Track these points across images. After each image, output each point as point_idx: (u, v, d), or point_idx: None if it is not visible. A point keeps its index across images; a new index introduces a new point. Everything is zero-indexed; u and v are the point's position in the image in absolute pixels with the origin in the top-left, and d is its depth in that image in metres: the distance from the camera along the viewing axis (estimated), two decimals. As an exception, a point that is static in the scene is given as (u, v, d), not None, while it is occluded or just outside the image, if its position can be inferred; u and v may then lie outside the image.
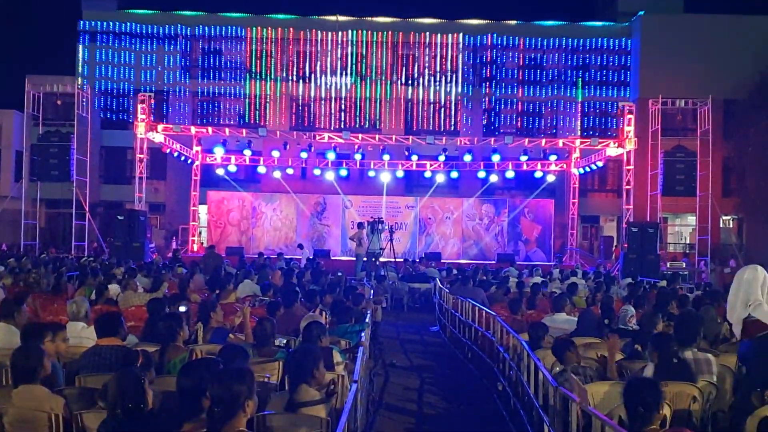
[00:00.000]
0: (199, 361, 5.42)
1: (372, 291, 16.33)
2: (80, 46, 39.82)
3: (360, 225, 24.55)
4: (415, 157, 30.79)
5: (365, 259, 23.85)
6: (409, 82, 39.97)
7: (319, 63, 39.90)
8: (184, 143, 30.22)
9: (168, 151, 29.14)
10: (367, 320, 10.67)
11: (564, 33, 40.14)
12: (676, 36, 37.49)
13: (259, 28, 39.82)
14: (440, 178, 31.78)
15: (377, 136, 30.63)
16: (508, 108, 40.38)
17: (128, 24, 39.78)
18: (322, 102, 39.93)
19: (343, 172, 31.06)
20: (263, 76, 39.84)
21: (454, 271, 21.96)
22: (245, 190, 33.03)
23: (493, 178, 31.36)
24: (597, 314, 10.53)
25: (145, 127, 26.92)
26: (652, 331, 7.91)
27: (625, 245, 26.53)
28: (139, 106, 27.23)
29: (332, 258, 28.68)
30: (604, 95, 40.02)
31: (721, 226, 35.11)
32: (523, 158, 29.28)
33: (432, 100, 40.05)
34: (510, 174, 30.53)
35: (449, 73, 40.10)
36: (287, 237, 31.92)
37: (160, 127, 28.28)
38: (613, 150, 28.08)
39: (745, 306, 5.75)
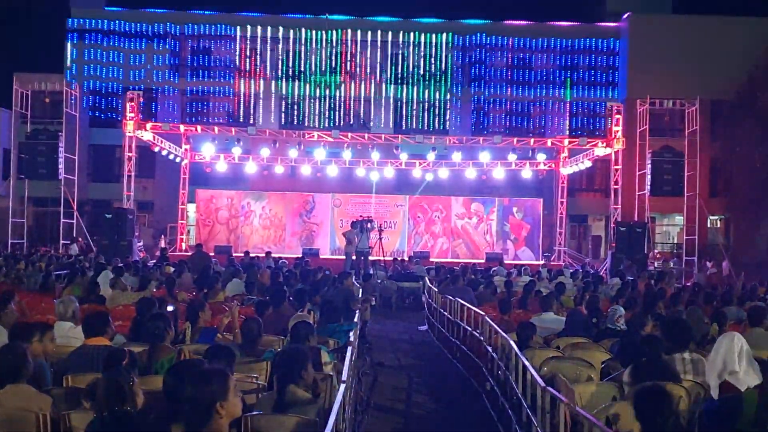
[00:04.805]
0: (185, 362, 5.40)
1: (360, 290, 16.31)
2: (69, 44, 39.67)
3: (354, 224, 24.46)
4: (404, 156, 30.78)
5: (354, 257, 23.83)
6: (399, 81, 39.99)
7: (308, 61, 39.86)
8: (173, 141, 30.12)
9: (157, 149, 29.05)
10: (355, 319, 10.67)
11: (552, 33, 40.24)
12: (664, 36, 37.60)
13: (248, 26, 39.75)
14: (429, 177, 31.81)
15: (366, 135, 30.62)
16: (496, 107, 40.45)
17: (117, 22, 39.66)
18: (312, 100, 39.91)
19: (333, 171, 31.01)
20: (253, 75, 39.78)
21: (442, 270, 21.95)
22: (234, 188, 32.93)
23: (482, 177, 31.40)
24: (585, 314, 10.55)
25: (133, 126, 26.84)
26: (640, 332, 7.93)
27: (613, 245, 26.63)
28: (128, 104, 27.14)
29: (321, 257, 28.66)
30: (593, 95, 40.16)
31: (709, 226, 35.29)
32: (512, 157, 29.32)
33: (421, 99, 40.09)
34: (499, 173, 30.52)
35: (438, 73, 40.15)
36: (276, 235, 31.88)
37: (148, 125, 28.17)
38: (601, 150, 28.15)
39: (720, 375, 5.82)
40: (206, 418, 3.77)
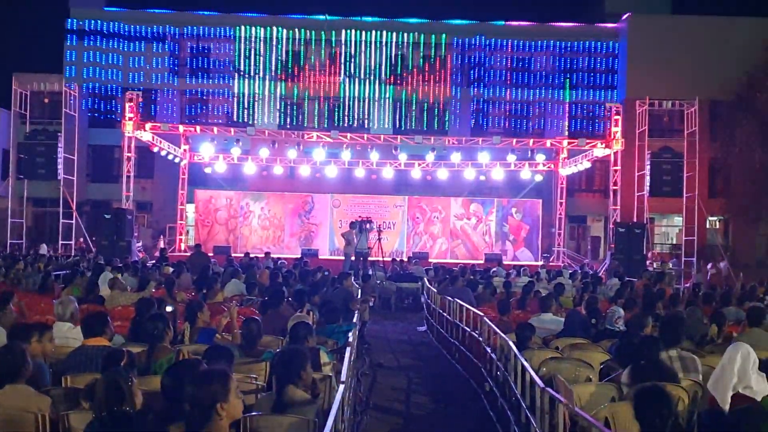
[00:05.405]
0: (182, 362, 5.41)
1: (360, 291, 16.30)
2: (68, 45, 39.66)
3: (352, 224, 24.43)
4: (403, 157, 30.80)
5: (353, 258, 23.79)
6: (398, 81, 40.01)
7: (307, 62, 39.87)
8: (172, 142, 30.12)
9: (156, 149, 29.05)
10: (354, 320, 10.67)
11: (551, 34, 40.25)
12: (663, 37, 37.62)
13: (248, 27, 39.77)
14: (428, 178, 31.84)
15: (365, 136, 30.63)
16: (496, 108, 40.48)
17: (116, 22, 39.65)
18: (311, 101, 39.91)
19: (332, 171, 31.01)
20: (252, 75, 39.80)
21: (441, 271, 21.96)
22: (233, 188, 32.97)
23: (481, 177, 31.42)
24: (584, 315, 10.55)
25: (132, 126, 26.83)
26: (639, 333, 7.93)
27: (612, 245, 26.63)
28: (127, 105, 27.13)
29: (320, 257, 28.65)
30: (592, 96, 40.19)
31: (708, 226, 35.28)
32: (511, 158, 29.30)
33: (420, 100, 40.10)
34: (498, 174, 30.51)
35: (437, 73, 40.16)
36: (275, 236, 31.89)
37: (147, 125, 28.15)
38: (600, 151, 28.17)
39: (734, 388, 5.77)
40: (206, 418, 3.76)
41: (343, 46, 39.96)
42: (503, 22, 40.68)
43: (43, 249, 28.84)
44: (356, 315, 11.34)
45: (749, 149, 34.84)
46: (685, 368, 6.70)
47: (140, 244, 28.60)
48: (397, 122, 39.87)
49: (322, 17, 39.83)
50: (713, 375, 5.98)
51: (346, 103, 39.92)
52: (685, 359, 6.83)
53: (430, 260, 28.30)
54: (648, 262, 26.25)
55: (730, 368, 5.76)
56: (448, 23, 40.41)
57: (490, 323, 10.54)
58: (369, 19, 40.16)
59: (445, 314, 14.73)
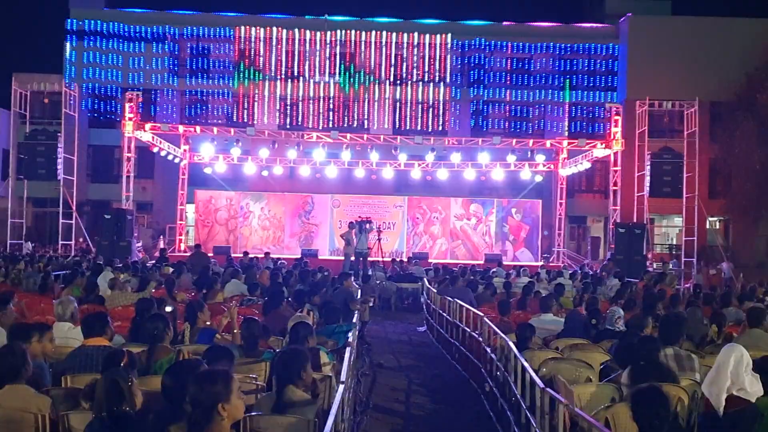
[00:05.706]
0: (183, 362, 5.40)
1: (360, 291, 16.29)
2: (68, 45, 39.65)
3: (351, 225, 24.44)
4: (403, 157, 30.81)
5: (353, 258, 23.79)
6: (398, 82, 40.01)
7: (307, 62, 39.87)
8: (172, 142, 30.12)
9: (156, 150, 29.05)
10: (354, 320, 10.66)
11: (552, 34, 40.24)
12: (663, 38, 37.62)
13: (247, 27, 39.77)
14: (428, 178, 31.84)
15: (365, 136, 30.63)
16: (496, 108, 40.46)
17: (116, 23, 39.63)
18: (311, 101, 39.90)
19: (332, 172, 31.01)
20: (252, 76, 39.79)
21: (441, 271, 21.95)
22: (233, 189, 32.93)
23: (481, 178, 31.43)
24: (584, 315, 10.55)
25: (132, 126, 26.83)
26: (639, 333, 7.92)
27: (612, 246, 26.62)
28: (127, 105, 27.14)
29: (320, 257, 28.63)
30: (592, 97, 40.15)
31: (708, 227, 35.27)
32: (511, 158, 29.30)
33: (420, 100, 40.09)
34: (498, 174, 30.51)
35: (437, 74, 40.16)
36: (275, 236, 31.88)
37: (147, 125, 28.17)
38: (600, 151, 28.17)
39: (728, 390, 5.75)
40: (208, 419, 3.75)
41: (343, 47, 39.96)
42: (503, 22, 40.68)
43: (27, 247, 28.77)
44: (356, 315, 11.34)
45: (749, 149, 34.83)
46: (681, 367, 6.68)
47: (140, 244, 28.60)
48: (397, 122, 39.86)
49: (321, 17, 39.82)
50: (707, 377, 5.98)
51: (346, 103, 39.91)
52: (681, 357, 6.81)
53: (430, 260, 28.26)
54: (648, 263, 26.25)
55: (723, 370, 5.76)
56: (448, 23, 40.39)
57: (490, 323, 10.53)
58: (369, 19, 40.16)
59: (445, 314, 14.71)
